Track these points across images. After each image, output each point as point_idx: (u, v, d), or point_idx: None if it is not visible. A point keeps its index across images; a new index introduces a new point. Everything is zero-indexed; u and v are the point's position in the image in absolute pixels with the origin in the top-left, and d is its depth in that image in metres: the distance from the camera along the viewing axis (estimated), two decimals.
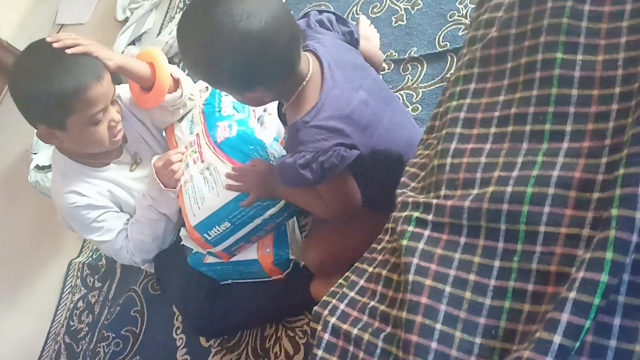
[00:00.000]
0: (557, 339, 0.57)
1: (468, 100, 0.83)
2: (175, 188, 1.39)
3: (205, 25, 0.95)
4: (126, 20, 2.69)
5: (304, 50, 1.08)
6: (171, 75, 1.43)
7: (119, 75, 1.58)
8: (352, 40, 1.20)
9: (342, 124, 1.02)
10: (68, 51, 1.23)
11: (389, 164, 1.11)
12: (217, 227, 1.28)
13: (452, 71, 0.92)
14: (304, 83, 1.04)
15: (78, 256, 2.16)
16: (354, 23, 1.22)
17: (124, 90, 1.51)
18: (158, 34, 2.54)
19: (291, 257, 1.39)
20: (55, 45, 1.24)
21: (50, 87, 1.21)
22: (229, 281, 1.47)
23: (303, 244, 1.43)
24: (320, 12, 1.20)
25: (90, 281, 2.02)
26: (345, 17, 1.85)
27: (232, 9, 0.92)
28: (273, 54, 0.95)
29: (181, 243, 1.46)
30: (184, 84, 1.47)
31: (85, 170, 1.43)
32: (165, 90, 1.42)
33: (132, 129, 1.51)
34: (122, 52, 2.44)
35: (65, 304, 2.05)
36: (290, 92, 1.06)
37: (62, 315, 2.03)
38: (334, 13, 1.21)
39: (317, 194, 1.13)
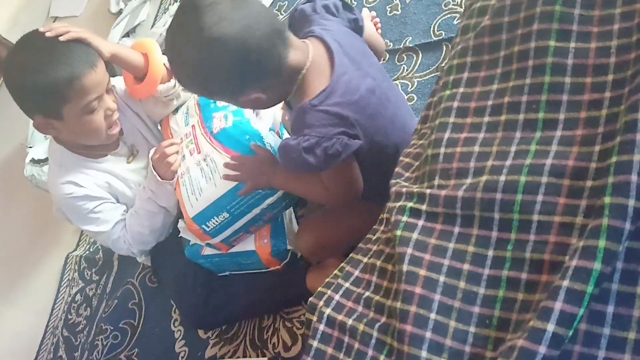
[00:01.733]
0: (551, 327, 0.57)
1: (461, 90, 0.83)
2: (172, 180, 1.39)
3: (182, 39, 0.97)
4: (120, 12, 2.68)
5: (308, 36, 1.08)
6: (165, 65, 1.43)
7: (113, 68, 1.57)
8: (357, 27, 1.19)
9: (349, 111, 1.01)
10: (61, 39, 1.23)
11: (389, 153, 1.11)
12: (215, 218, 1.28)
13: (446, 60, 0.91)
14: (303, 71, 1.03)
15: (75, 249, 2.16)
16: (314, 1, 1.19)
17: (119, 82, 1.50)
18: (152, 26, 2.53)
19: (289, 247, 1.39)
20: (48, 34, 1.24)
21: (44, 77, 1.21)
22: (227, 273, 1.47)
23: (299, 227, 1.43)
24: None
25: (87, 274, 2.02)
26: None
27: (204, 17, 0.93)
28: (252, 54, 0.95)
29: (179, 235, 1.46)
30: None
31: (82, 162, 1.43)
32: (158, 80, 1.42)
33: (127, 121, 1.51)
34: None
35: (63, 297, 2.06)
36: (289, 85, 1.05)
37: (60, 308, 2.04)
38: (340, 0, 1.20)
39: (318, 180, 1.12)
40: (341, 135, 1.00)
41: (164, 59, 1.45)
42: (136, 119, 1.55)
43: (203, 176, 1.30)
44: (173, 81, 1.45)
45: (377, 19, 1.66)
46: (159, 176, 1.37)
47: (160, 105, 1.49)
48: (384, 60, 1.63)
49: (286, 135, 1.58)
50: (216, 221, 1.28)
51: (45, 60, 1.22)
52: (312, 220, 1.35)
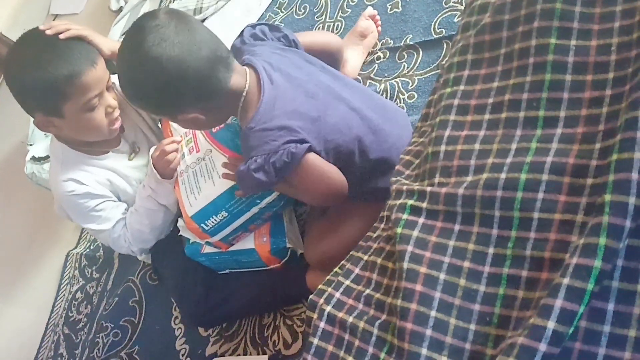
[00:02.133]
0: (551, 324, 0.57)
1: (462, 87, 0.83)
2: (172, 178, 1.39)
3: (126, 55, 1.04)
4: (120, 9, 2.67)
5: (243, 65, 1.13)
6: None
7: (113, 65, 1.57)
8: (289, 42, 1.25)
9: (289, 120, 1.06)
10: (61, 36, 1.24)
11: (352, 149, 1.13)
12: (214, 216, 1.28)
13: (446, 58, 0.91)
14: (244, 94, 1.09)
15: (76, 247, 2.16)
16: (242, 35, 1.27)
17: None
18: None
19: (288, 245, 1.39)
20: (48, 32, 1.24)
21: (43, 74, 1.20)
22: (227, 271, 1.47)
23: (303, 241, 1.43)
24: (254, 26, 1.26)
25: (88, 272, 2.02)
26: (340, 5, 1.85)
27: (147, 37, 0.99)
28: (190, 76, 1.01)
29: (179, 233, 1.45)
30: None
31: (83, 159, 1.42)
32: None
33: (128, 118, 1.51)
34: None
35: (64, 295, 2.06)
36: (231, 109, 1.11)
37: (60, 306, 2.04)
38: (265, 24, 1.27)
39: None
40: (286, 144, 1.03)
41: None
42: (136, 116, 1.55)
43: (202, 175, 1.30)
44: None
45: (378, 17, 1.66)
46: (159, 174, 1.37)
47: None
48: (384, 58, 1.63)
49: None
50: (215, 220, 1.28)
51: (45, 58, 1.22)
52: (317, 232, 1.35)
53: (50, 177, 1.48)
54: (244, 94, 1.09)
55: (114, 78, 1.44)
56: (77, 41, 1.26)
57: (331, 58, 1.34)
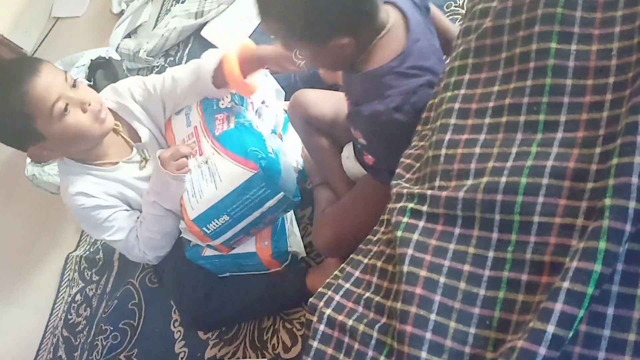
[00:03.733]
0: (551, 328, 0.57)
1: (462, 91, 0.83)
2: (179, 181, 1.36)
3: None
4: (122, 13, 2.68)
5: (384, 3, 1.06)
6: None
7: (115, 69, 1.55)
8: (422, 6, 1.15)
9: (428, 63, 1.01)
10: None
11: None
12: (215, 220, 1.28)
13: (447, 62, 0.92)
14: (384, 33, 1.01)
15: (75, 250, 2.16)
16: None
17: (136, 86, 1.48)
18: (154, 27, 2.53)
19: (289, 249, 1.39)
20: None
21: (2, 110, 1.21)
22: (227, 274, 1.47)
23: (314, 224, 1.41)
24: None
25: (87, 274, 2.02)
26: None
27: None
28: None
29: (180, 235, 1.45)
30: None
31: (92, 171, 1.40)
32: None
33: (144, 128, 1.49)
34: (118, 45, 2.43)
35: (63, 297, 2.06)
36: (368, 42, 1.03)
37: (59, 308, 2.04)
38: None
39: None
40: (423, 86, 0.99)
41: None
42: (153, 126, 1.53)
43: (204, 178, 1.30)
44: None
45: None
46: (169, 173, 1.34)
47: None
48: None
49: (288, 136, 1.58)
50: (216, 224, 1.28)
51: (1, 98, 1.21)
52: (329, 214, 1.33)
53: (61, 192, 1.46)
54: (383, 32, 1.01)
55: (121, 86, 1.43)
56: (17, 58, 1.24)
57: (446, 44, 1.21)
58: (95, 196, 1.38)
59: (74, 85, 1.28)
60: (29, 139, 1.27)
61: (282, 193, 1.27)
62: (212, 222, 1.28)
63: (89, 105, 1.29)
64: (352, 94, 1.12)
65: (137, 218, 1.47)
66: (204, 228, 1.29)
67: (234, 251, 1.39)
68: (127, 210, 1.46)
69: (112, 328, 1.76)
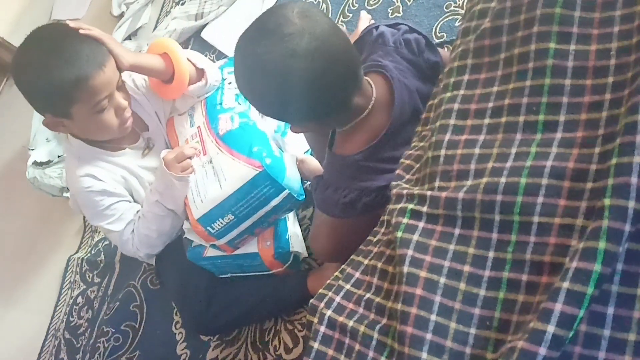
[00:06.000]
0: (551, 328, 0.57)
1: (462, 92, 0.83)
2: (183, 182, 1.37)
3: (248, 63, 0.93)
4: (122, 15, 2.68)
5: (372, 71, 1.03)
6: (191, 62, 1.41)
7: None
8: (433, 74, 1.07)
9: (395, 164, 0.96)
10: (81, 31, 1.22)
11: None
12: (220, 219, 1.28)
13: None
14: (364, 114, 1.00)
15: (77, 252, 2.16)
16: (398, 30, 1.08)
17: (139, 77, 1.49)
18: (154, 29, 2.53)
19: (291, 250, 1.39)
20: (71, 24, 1.23)
21: (50, 78, 1.19)
22: (228, 275, 1.47)
23: (311, 230, 1.42)
24: (412, 30, 1.11)
25: (89, 277, 2.02)
26: (341, 9, 1.84)
27: (276, 46, 0.88)
28: (318, 95, 0.91)
29: (184, 236, 1.45)
30: (209, 72, 1.44)
31: (99, 155, 1.41)
32: (186, 81, 1.40)
33: (148, 115, 1.50)
34: None
35: (65, 299, 2.06)
36: (345, 122, 1.02)
37: (61, 311, 2.04)
38: (424, 36, 1.11)
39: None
40: (383, 188, 0.96)
41: (194, 57, 1.43)
42: (157, 114, 1.54)
43: (208, 178, 1.30)
44: (204, 80, 1.43)
45: (373, 21, 1.66)
46: (173, 175, 1.35)
47: (190, 100, 1.49)
48: None
49: (289, 138, 1.58)
50: (221, 223, 1.28)
51: (52, 62, 1.20)
52: (326, 223, 1.33)
53: (66, 173, 1.47)
54: (363, 114, 0.99)
55: (134, 76, 1.44)
56: (87, 43, 1.23)
57: None
58: (103, 180, 1.39)
59: (120, 86, 1.31)
60: (56, 111, 1.28)
61: (286, 191, 1.27)
62: (217, 221, 1.28)
63: (123, 110, 1.33)
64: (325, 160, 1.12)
65: (137, 212, 1.47)
66: (209, 227, 1.29)
67: (235, 252, 1.39)
68: (129, 202, 1.47)
69: (113, 330, 1.76)
